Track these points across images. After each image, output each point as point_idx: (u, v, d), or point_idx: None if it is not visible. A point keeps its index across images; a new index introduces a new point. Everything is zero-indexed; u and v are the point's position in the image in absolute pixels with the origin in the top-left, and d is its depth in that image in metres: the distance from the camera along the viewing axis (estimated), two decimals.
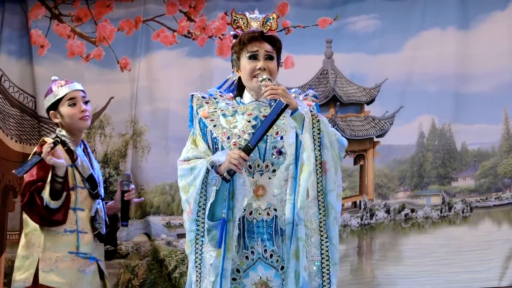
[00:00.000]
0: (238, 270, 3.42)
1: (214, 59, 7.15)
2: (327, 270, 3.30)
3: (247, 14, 3.66)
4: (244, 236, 3.44)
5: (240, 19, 3.62)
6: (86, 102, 4.45)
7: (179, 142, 7.24)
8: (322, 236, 3.31)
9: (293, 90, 3.63)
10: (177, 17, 7.30)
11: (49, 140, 4.23)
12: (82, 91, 4.49)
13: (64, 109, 4.40)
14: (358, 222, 6.79)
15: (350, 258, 6.72)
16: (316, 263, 3.30)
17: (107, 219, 4.42)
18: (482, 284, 6.39)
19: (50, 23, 7.50)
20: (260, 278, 3.41)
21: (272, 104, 3.30)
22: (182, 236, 7.10)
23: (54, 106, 4.42)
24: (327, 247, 3.31)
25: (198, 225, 3.40)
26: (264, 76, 3.44)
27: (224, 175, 3.32)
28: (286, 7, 7.01)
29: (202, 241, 3.40)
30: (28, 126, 7.34)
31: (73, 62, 7.45)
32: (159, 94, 7.29)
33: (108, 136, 7.40)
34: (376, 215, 6.79)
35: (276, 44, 3.59)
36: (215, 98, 3.64)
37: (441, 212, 6.67)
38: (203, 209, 3.39)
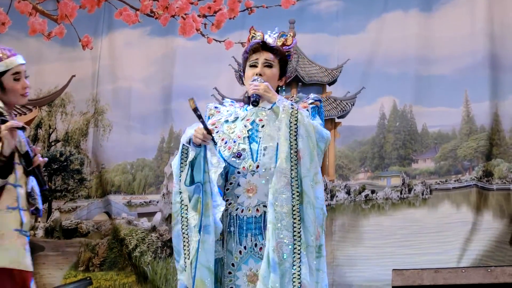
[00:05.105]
0: (233, 264, 3.59)
1: (176, 38, 7.11)
2: (298, 251, 3.39)
3: (266, 33, 3.76)
4: (237, 233, 3.59)
5: (258, 36, 3.75)
6: (27, 77, 4.26)
7: (140, 121, 7.28)
8: (295, 219, 3.41)
9: (299, 95, 3.72)
10: None
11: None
12: (25, 64, 4.26)
13: (9, 82, 4.16)
14: None
15: None
16: (289, 246, 3.39)
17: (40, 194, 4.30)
18: (440, 266, 6.43)
19: (12, 0, 7.41)
20: (251, 270, 3.56)
21: (252, 99, 3.50)
22: (142, 215, 7.12)
23: None
24: (299, 229, 3.41)
25: (181, 195, 3.58)
26: (256, 77, 3.58)
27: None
28: None
29: (186, 209, 3.57)
30: None
31: (35, 40, 7.39)
32: (121, 73, 7.25)
33: (69, 114, 7.37)
34: (337, 196, 6.82)
35: (277, 52, 3.68)
36: (225, 107, 3.81)
37: (401, 193, 6.71)
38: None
